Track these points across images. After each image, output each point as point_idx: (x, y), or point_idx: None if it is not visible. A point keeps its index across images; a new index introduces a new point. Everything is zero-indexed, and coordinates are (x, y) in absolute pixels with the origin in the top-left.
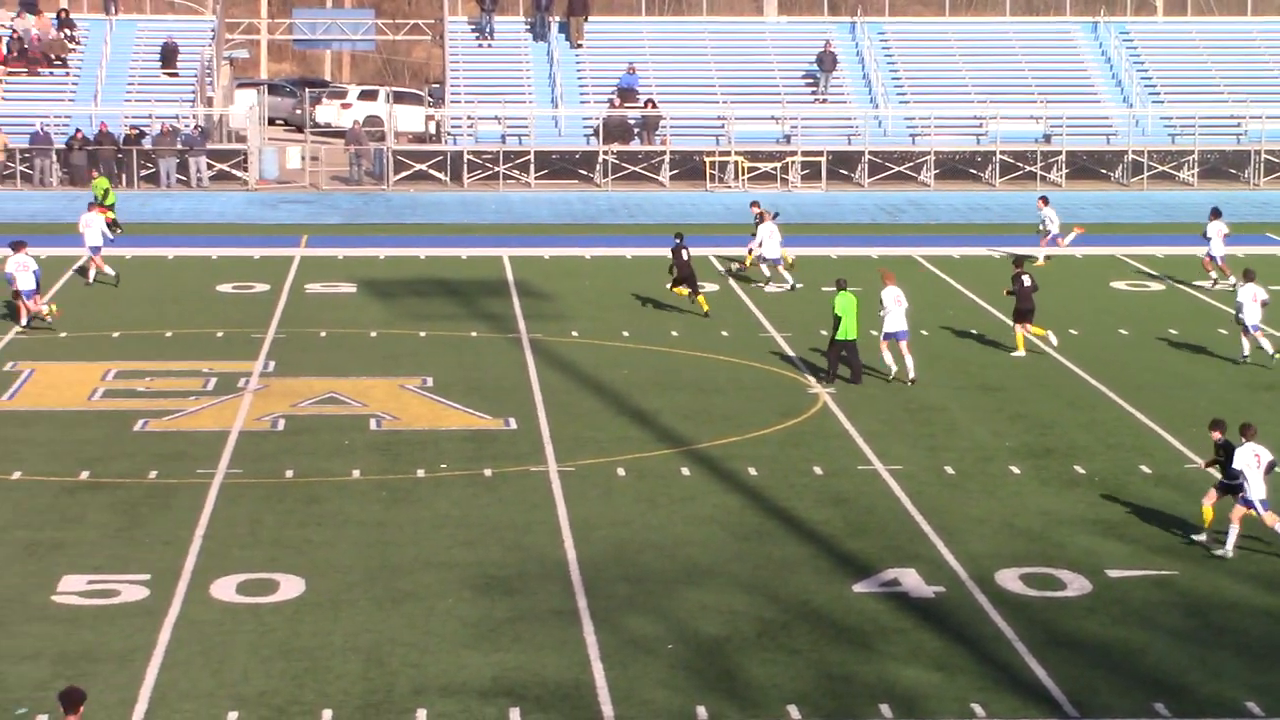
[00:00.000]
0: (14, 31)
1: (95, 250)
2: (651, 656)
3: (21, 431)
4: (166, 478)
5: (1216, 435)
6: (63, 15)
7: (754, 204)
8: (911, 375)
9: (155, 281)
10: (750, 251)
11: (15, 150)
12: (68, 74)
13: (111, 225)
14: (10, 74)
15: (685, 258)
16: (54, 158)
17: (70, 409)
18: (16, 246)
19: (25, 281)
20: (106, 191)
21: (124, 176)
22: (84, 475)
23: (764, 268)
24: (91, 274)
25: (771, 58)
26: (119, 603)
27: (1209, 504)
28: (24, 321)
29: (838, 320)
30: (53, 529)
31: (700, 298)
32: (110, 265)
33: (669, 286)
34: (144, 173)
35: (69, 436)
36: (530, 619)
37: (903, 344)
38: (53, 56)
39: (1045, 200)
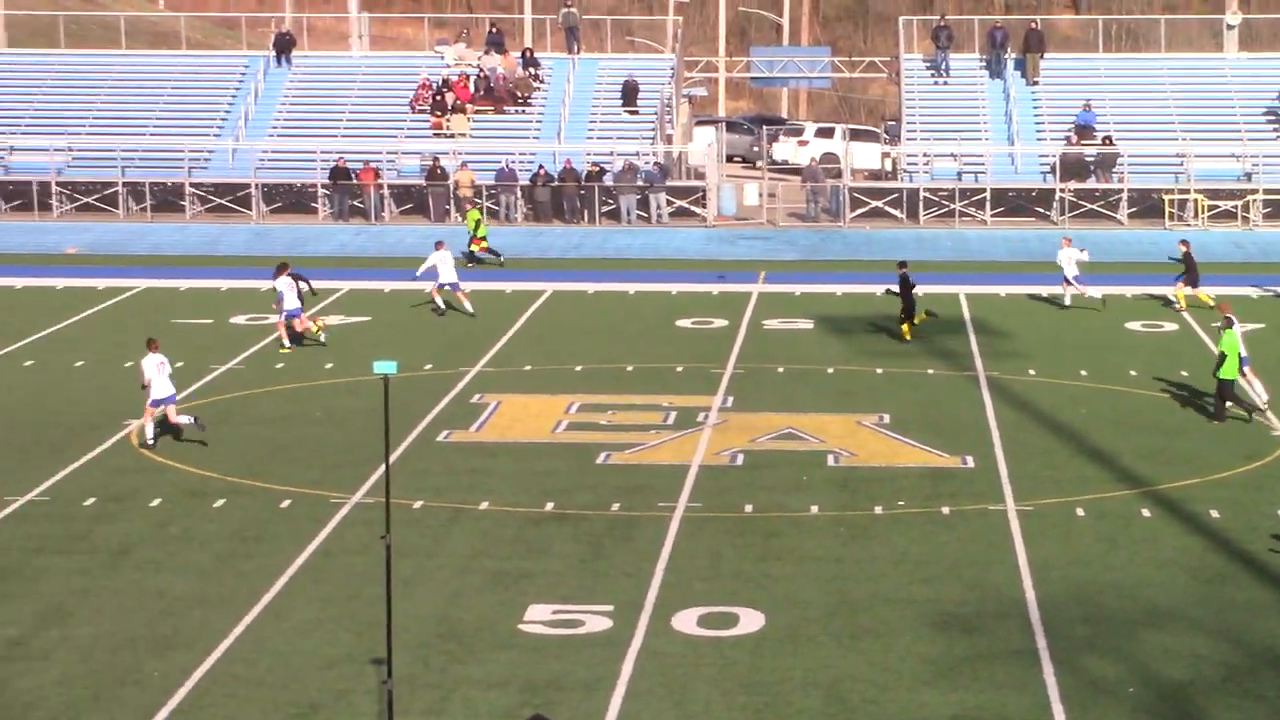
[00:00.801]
0: (481, 70)
1: (455, 286)
2: (1113, 699)
3: (489, 463)
4: (629, 510)
5: None
6: (528, 54)
7: (1183, 242)
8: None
9: (617, 316)
10: (1180, 289)
11: (481, 187)
12: (531, 112)
13: (488, 254)
14: (478, 112)
15: (911, 284)
16: (518, 194)
17: (535, 441)
18: (281, 269)
19: (291, 301)
20: (478, 223)
21: (586, 213)
22: (549, 506)
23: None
24: (444, 303)
25: (1232, 94)
26: (584, 633)
27: None
28: (287, 342)
29: (1222, 357)
30: (519, 559)
31: (906, 325)
32: (568, 300)
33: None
34: (605, 209)
35: (534, 468)
36: (989, 658)
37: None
38: (518, 95)
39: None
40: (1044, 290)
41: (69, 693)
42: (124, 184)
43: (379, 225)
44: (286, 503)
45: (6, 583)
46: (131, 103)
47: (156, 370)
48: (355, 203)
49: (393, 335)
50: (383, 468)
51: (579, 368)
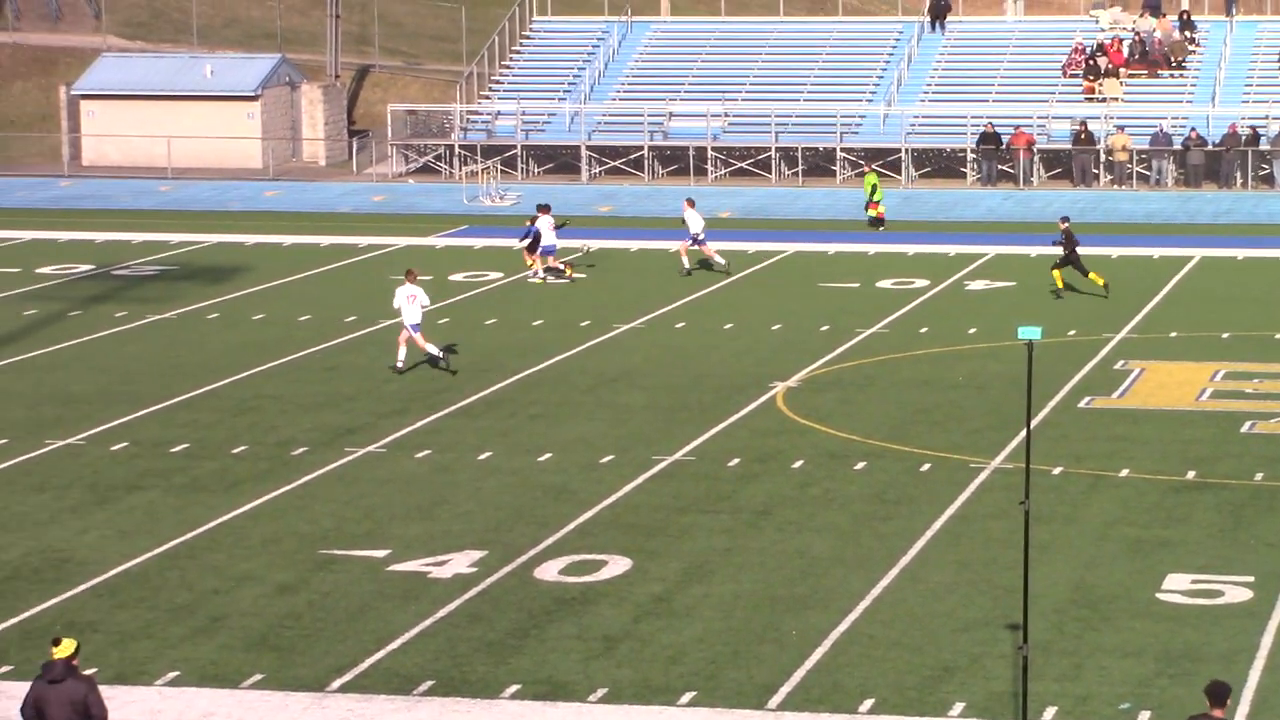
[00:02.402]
0: (1137, 34)
1: (701, 242)
2: None
3: (1131, 429)
4: (1273, 480)
5: None
6: (1184, 17)
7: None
8: None
9: (1267, 283)
10: None
11: (1134, 151)
12: (1186, 75)
13: (875, 222)
14: (1131, 75)
15: (1075, 240)
16: (1169, 158)
17: (1178, 409)
18: (543, 209)
19: (548, 238)
20: (874, 188)
21: (1240, 177)
22: (1190, 475)
23: None
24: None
25: None
26: (1222, 603)
27: None
28: (541, 273)
29: None
30: (1159, 527)
31: (1093, 275)
32: (1217, 266)
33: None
34: (1260, 173)
35: (1176, 436)
36: None
37: None
38: (1173, 58)
39: None
40: None
41: (709, 649)
42: (777, 149)
43: (1027, 190)
44: (926, 466)
45: (653, 540)
46: (787, 68)
47: (407, 301)
48: (1004, 168)
49: (1037, 300)
50: (1023, 433)
51: (1226, 335)
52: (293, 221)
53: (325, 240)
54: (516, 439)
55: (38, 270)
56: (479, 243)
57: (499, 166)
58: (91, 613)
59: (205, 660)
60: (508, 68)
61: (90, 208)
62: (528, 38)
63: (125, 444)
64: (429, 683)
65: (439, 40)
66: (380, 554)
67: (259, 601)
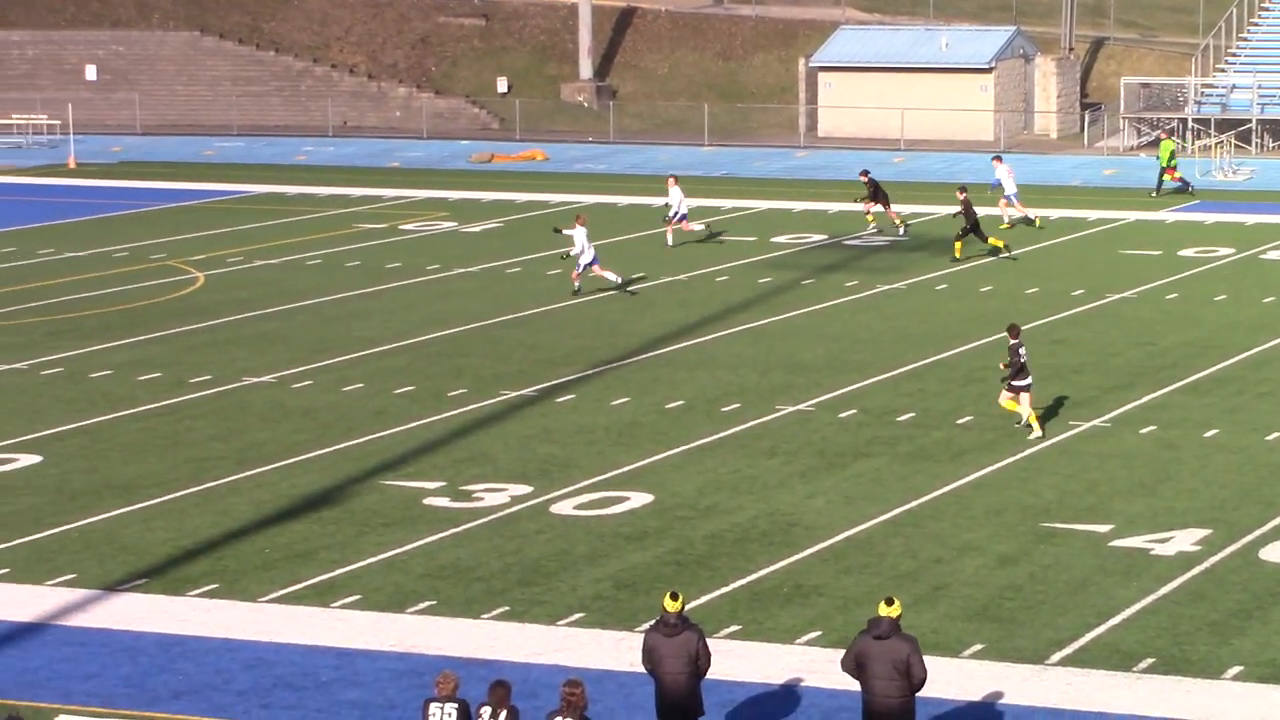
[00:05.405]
0: None
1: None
2: None
3: None
4: None
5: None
6: None
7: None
8: None
9: None
10: None
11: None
12: None
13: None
14: None
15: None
16: None
17: None
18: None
19: (1009, 186)
20: (1171, 154)
21: None
22: None
23: None
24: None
25: None
26: None
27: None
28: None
29: None
30: None
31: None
32: None
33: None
34: None
35: None
36: None
37: None
38: None
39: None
40: None
41: None
42: None
43: None
44: None
45: None
46: None
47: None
48: None
49: None
50: None
51: None
52: (1021, 193)
53: (1054, 213)
54: (1244, 417)
55: (772, 239)
56: (1210, 218)
57: (1233, 141)
58: (817, 576)
59: (926, 628)
60: (1245, 40)
61: (824, 178)
62: (1267, 9)
63: (853, 411)
64: (1149, 660)
65: (1175, 12)
66: (1103, 529)
67: (980, 572)
